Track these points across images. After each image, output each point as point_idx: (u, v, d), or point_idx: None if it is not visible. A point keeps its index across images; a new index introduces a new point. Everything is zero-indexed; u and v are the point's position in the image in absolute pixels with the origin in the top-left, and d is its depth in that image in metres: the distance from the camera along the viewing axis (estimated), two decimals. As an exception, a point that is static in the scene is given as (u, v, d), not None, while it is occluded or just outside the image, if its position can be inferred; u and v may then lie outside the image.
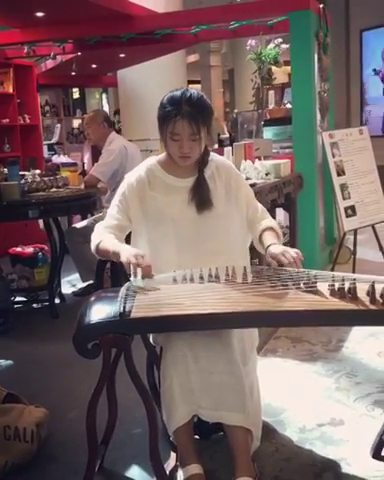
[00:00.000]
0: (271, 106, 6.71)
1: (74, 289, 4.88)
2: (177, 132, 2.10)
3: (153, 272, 2.02)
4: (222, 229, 2.24)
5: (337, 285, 1.88)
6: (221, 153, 4.68)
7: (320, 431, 2.42)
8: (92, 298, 2.04)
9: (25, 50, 5.67)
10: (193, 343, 2.01)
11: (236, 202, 2.29)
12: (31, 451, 2.28)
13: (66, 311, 4.30)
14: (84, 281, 4.69)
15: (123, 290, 1.99)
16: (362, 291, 1.86)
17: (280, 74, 7.11)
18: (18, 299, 4.45)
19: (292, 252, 2.07)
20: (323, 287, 1.91)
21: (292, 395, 2.76)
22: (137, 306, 1.86)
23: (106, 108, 17.82)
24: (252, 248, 2.40)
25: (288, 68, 5.22)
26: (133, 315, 1.82)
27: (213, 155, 2.32)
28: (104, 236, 2.21)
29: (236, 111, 13.93)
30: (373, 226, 4.64)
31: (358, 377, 2.90)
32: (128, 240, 2.33)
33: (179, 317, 1.81)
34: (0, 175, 4.05)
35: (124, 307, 1.84)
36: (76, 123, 11.55)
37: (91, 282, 4.54)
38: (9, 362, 3.45)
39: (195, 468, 2.03)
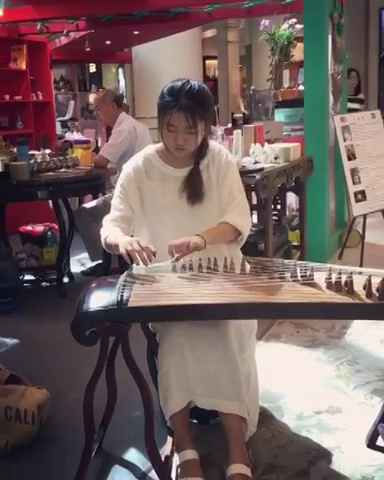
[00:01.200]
0: (286, 85, 6.65)
1: (83, 268, 4.92)
2: (173, 124, 2.09)
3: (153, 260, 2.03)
4: (214, 220, 2.23)
5: (334, 278, 1.88)
6: (231, 133, 4.68)
7: (317, 418, 2.45)
8: (93, 285, 2.07)
9: (38, 27, 5.64)
10: (190, 332, 2.03)
11: (220, 190, 2.27)
12: (32, 432, 2.33)
13: (74, 290, 4.28)
14: (93, 260, 4.71)
15: (122, 278, 2.01)
16: (359, 284, 1.87)
17: (298, 51, 7.01)
18: (27, 278, 4.50)
19: (180, 242, 2.04)
20: (320, 279, 1.92)
21: (292, 381, 2.78)
22: (135, 295, 1.88)
23: (122, 83, 17.73)
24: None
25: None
26: (130, 304, 1.84)
27: (212, 145, 2.30)
28: (110, 230, 2.22)
29: (252, 88, 13.77)
30: (383, 211, 4.61)
31: (359, 365, 2.92)
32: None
33: (176, 307, 1.83)
34: (10, 155, 4.06)
35: (122, 296, 1.86)
36: (91, 98, 11.51)
37: (100, 262, 4.58)
38: (15, 341, 3.50)
39: (191, 453, 2.06)
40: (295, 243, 4.49)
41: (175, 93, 2.09)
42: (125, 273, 2.05)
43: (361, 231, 4.69)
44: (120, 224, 2.25)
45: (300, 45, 6.04)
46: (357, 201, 4.45)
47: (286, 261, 2.03)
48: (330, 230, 4.95)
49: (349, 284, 1.86)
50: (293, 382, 2.78)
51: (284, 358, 3.05)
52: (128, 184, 2.28)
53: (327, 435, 2.33)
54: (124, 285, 1.94)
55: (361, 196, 4.48)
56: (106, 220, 2.30)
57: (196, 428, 2.35)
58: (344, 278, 1.87)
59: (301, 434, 2.35)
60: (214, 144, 2.32)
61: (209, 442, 2.30)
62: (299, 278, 1.93)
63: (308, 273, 1.94)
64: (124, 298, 1.85)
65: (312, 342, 3.20)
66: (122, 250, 2.03)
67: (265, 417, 2.43)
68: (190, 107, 2.07)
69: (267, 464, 2.16)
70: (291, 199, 5.18)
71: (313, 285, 1.90)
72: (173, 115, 2.08)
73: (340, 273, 1.89)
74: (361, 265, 4.40)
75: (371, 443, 2.22)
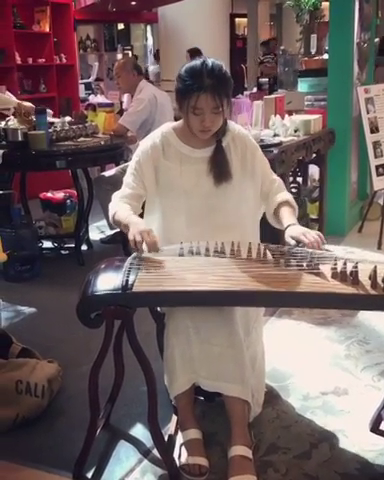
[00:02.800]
0: (313, 50, 6.49)
1: (102, 236, 4.95)
2: (200, 106, 2.04)
3: (163, 244, 2.04)
4: (235, 202, 2.22)
5: (339, 267, 1.87)
6: (256, 98, 4.60)
7: (323, 400, 2.47)
8: (102, 265, 2.09)
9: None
10: (195, 314, 2.05)
11: (252, 175, 2.25)
12: (41, 406, 2.39)
13: (93, 258, 4.36)
14: (112, 229, 4.74)
15: (129, 260, 2.02)
16: (364, 274, 1.85)
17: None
18: (45, 246, 4.55)
19: (313, 233, 2.05)
20: (326, 268, 1.91)
21: (300, 361, 2.80)
22: (140, 279, 1.90)
23: (150, 42, 17.45)
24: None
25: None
26: (135, 288, 1.86)
27: (230, 124, 2.27)
28: (119, 206, 2.20)
29: (282, 48, 13.49)
30: (405, 185, 4.54)
31: (369, 345, 2.92)
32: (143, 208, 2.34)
33: (180, 293, 1.85)
34: (29, 123, 4.05)
35: (127, 280, 1.87)
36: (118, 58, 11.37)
37: (118, 230, 4.59)
38: (32, 310, 3.56)
39: (194, 433, 2.11)
40: (314, 216, 4.46)
41: (197, 74, 2.04)
42: (132, 255, 2.05)
43: (383, 204, 4.63)
44: (130, 201, 2.22)
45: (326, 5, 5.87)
46: (379, 175, 4.38)
47: (295, 248, 2.01)
48: (351, 202, 4.89)
49: (354, 274, 1.85)
50: (301, 361, 2.80)
51: (294, 336, 3.06)
52: (145, 161, 2.23)
53: (331, 417, 2.35)
54: (130, 268, 1.95)
55: (383, 169, 4.40)
56: (116, 196, 2.29)
57: (202, 405, 2.39)
58: (349, 268, 1.86)
59: (306, 415, 2.37)
60: (231, 123, 2.28)
61: (214, 420, 2.33)
62: (305, 266, 1.92)
63: (314, 262, 1.92)
64: (129, 282, 1.87)
65: (324, 319, 3.20)
66: (130, 237, 2.00)
67: (271, 397, 2.46)
68: (215, 87, 2.02)
69: (270, 445, 2.20)
70: (313, 169, 5.12)
71: (318, 274, 1.89)
72: (200, 97, 2.02)
73: (345, 263, 1.88)
74: (381, 238, 4.37)
75: (374, 427, 2.24)
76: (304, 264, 1.92)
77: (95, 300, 1.90)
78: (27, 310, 3.55)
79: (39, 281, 4.00)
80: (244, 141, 2.26)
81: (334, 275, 1.87)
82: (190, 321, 2.05)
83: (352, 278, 1.85)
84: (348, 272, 1.86)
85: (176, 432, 2.19)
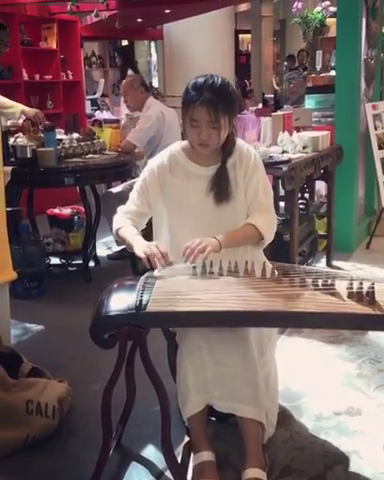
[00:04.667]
0: (318, 67, 6.51)
1: (109, 252, 4.94)
2: (196, 118, 2.08)
3: (172, 259, 2.04)
4: (240, 221, 2.21)
5: (355, 287, 1.86)
6: (262, 114, 4.59)
7: (336, 420, 2.44)
8: (114, 285, 2.07)
9: (68, 7, 5.59)
10: (208, 335, 2.03)
11: (246, 191, 2.24)
12: (52, 426, 2.37)
13: (100, 275, 4.37)
14: (119, 245, 4.73)
15: (142, 280, 2.01)
16: (381, 294, 1.83)
17: (334, 27, 6.84)
18: (53, 262, 4.53)
19: (196, 243, 2.02)
20: (341, 288, 1.89)
21: (312, 380, 2.78)
22: (154, 300, 1.88)
23: (154, 57, 17.55)
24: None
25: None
26: (149, 309, 1.84)
27: (239, 143, 2.27)
28: (124, 222, 2.25)
29: (286, 64, 13.54)
30: (413, 201, 4.53)
31: (381, 363, 2.89)
32: (150, 226, 2.35)
33: (195, 314, 1.83)
34: (37, 140, 4.06)
35: (141, 300, 1.86)
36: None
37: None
38: (40, 327, 3.55)
39: (207, 455, 2.08)
40: (322, 232, 4.45)
41: (198, 88, 2.08)
42: (145, 275, 2.05)
43: (390, 220, 4.63)
44: (133, 217, 2.28)
45: (332, 21, 5.90)
46: (387, 191, 4.37)
47: (308, 267, 2.00)
48: (359, 218, 4.88)
49: (370, 294, 1.83)
50: (313, 380, 2.77)
51: (305, 354, 3.04)
52: (150, 180, 2.27)
53: (345, 438, 2.32)
54: (144, 288, 1.94)
55: (391, 186, 4.40)
56: (120, 210, 2.33)
57: (214, 426, 2.37)
58: (365, 288, 1.85)
59: (319, 436, 2.34)
60: (241, 142, 2.28)
61: (227, 441, 2.30)
62: (320, 286, 1.90)
63: (329, 281, 1.91)
64: (143, 302, 1.85)
65: (335, 338, 3.18)
66: (141, 253, 2.04)
67: (284, 417, 2.43)
68: (212, 101, 2.05)
69: (284, 467, 2.16)
70: (320, 185, 5.12)
71: (334, 294, 1.88)
72: (196, 109, 2.07)
73: (361, 282, 1.86)
74: (389, 255, 4.35)
75: (389, 449, 2.21)
76: (319, 283, 1.91)
77: (109, 321, 1.88)
78: (35, 328, 3.53)
79: (47, 298, 3.99)
80: (249, 159, 2.25)
81: (350, 295, 1.86)
82: (204, 341, 2.03)
83: (368, 298, 1.83)
84: (364, 292, 1.84)
85: (189, 453, 2.16)
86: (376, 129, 4.37)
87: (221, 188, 2.21)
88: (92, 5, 5.87)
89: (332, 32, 7.33)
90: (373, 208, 5.31)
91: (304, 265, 3.76)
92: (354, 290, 1.85)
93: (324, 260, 4.36)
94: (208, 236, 2.13)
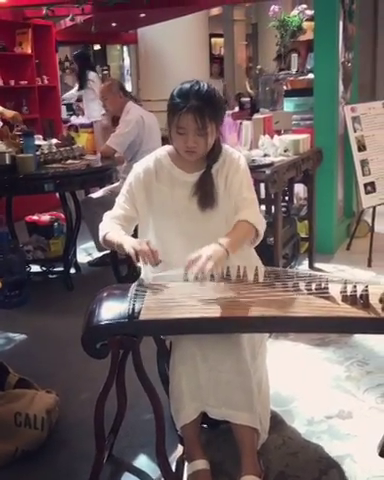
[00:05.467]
0: (294, 70, 6.53)
1: (90, 258, 4.90)
2: (182, 126, 2.05)
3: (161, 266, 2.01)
4: (225, 227, 2.17)
5: (349, 291, 1.85)
6: (238, 118, 4.58)
7: (328, 424, 2.43)
8: (103, 294, 2.04)
9: (44, 11, 5.54)
10: (202, 342, 2.01)
11: (229, 190, 2.20)
12: (41, 438, 2.32)
13: (81, 282, 4.33)
14: (100, 251, 4.69)
15: (133, 288, 1.98)
16: (374, 297, 1.83)
17: (310, 30, 6.87)
18: (34, 270, 4.47)
19: (204, 258, 1.90)
20: (335, 292, 1.88)
21: (302, 383, 2.77)
22: (146, 307, 1.86)
23: (127, 61, 17.49)
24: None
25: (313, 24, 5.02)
26: (142, 317, 1.82)
27: (225, 148, 2.24)
28: (111, 227, 2.19)
29: (259, 67, 13.59)
30: (393, 202, 4.56)
31: (369, 365, 2.90)
32: (136, 232, 2.32)
33: (189, 321, 1.81)
34: (16, 147, 4.01)
35: (133, 308, 1.83)
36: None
37: (107, 252, 4.55)
38: (23, 336, 3.49)
39: (202, 463, 2.05)
40: (303, 235, 4.45)
41: (184, 94, 2.04)
42: (136, 282, 2.02)
43: (370, 222, 4.64)
44: (121, 222, 2.23)
45: (309, 24, 5.93)
46: (367, 193, 4.40)
47: (301, 271, 1.98)
48: (338, 220, 4.90)
49: (365, 298, 1.82)
50: (303, 384, 2.76)
51: (293, 358, 3.03)
52: (136, 184, 2.23)
53: (338, 442, 2.31)
54: (135, 296, 1.91)
55: (371, 188, 4.43)
56: (107, 216, 2.28)
57: (206, 433, 2.34)
58: (359, 291, 1.84)
59: (312, 441, 2.33)
60: (227, 147, 2.26)
61: (220, 449, 2.28)
62: (314, 290, 1.89)
63: (323, 285, 1.90)
64: (135, 310, 1.83)
65: (321, 340, 3.17)
66: (130, 249, 1.98)
67: (276, 422, 2.41)
68: (199, 108, 2.02)
69: (278, 473, 2.15)
70: (299, 188, 5.13)
71: (328, 298, 1.87)
72: (182, 116, 2.03)
73: (355, 286, 1.86)
74: (370, 256, 4.37)
75: (383, 452, 2.20)
76: (313, 287, 1.90)
77: (101, 330, 1.85)
78: (18, 337, 3.48)
79: (28, 307, 3.93)
80: (231, 163, 2.22)
81: (344, 298, 1.85)
82: (197, 349, 2.01)
83: (363, 301, 1.82)
84: (358, 295, 1.83)
85: (183, 462, 2.13)
86: (355, 131, 4.39)
87: (205, 194, 2.17)
88: (67, 10, 5.83)
89: (306, 35, 7.39)
90: (352, 210, 5.33)
91: (288, 268, 3.76)
92: (348, 293, 1.85)
93: (306, 262, 4.37)
94: (194, 243, 2.06)
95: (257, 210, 2.24)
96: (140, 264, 2.09)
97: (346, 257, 4.62)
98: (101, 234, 2.22)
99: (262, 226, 2.19)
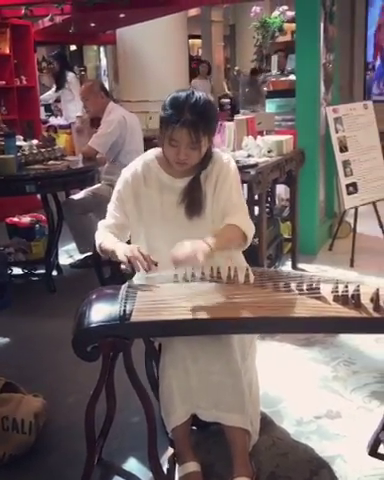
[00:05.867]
0: (274, 71, 6.56)
1: (71, 260, 4.85)
2: (175, 139, 2.01)
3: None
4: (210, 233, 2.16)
5: (341, 290, 1.85)
6: (221, 118, 4.56)
7: (317, 424, 2.43)
8: (92, 296, 2.01)
9: (22, 11, 5.49)
10: (192, 343, 1.99)
11: (219, 194, 2.18)
12: (29, 442, 2.29)
13: (63, 284, 4.29)
14: (82, 252, 4.65)
15: (124, 289, 1.96)
16: (366, 297, 1.83)
17: (289, 31, 6.89)
18: (15, 272, 4.42)
19: (189, 250, 1.90)
20: (326, 292, 1.88)
21: (289, 384, 2.77)
22: (137, 309, 1.83)
23: (104, 62, 17.41)
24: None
25: (293, 25, 5.04)
26: (133, 319, 1.79)
27: (216, 153, 2.21)
28: (105, 236, 2.17)
29: (237, 69, 13.61)
30: (374, 203, 4.59)
31: (356, 365, 2.91)
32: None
33: (181, 322, 1.79)
34: (-4, 148, 3.96)
35: (124, 310, 1.81)
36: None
37: (89, 254, 4.52)
38: (6, 340, 3.44)
39: (193, 466, 2.04)
40: (285, 236, 4.46)
41: (178, 106, 1.99)
42: (126, 284, 2.00)
43: (352, 222, 4.67)
44: (114, 230, 2.20)
45: (289, 26, 5.96)
46: (349, 193, 4.43)
47: (292, 272, 1.98)
48: (320, 220, 4.92)
49: (356, 297, 1.82)
50: (290, 384, 2.76)
51: (280, 358, 3.03)
52: (125, 190, 2.20)
53: (328, 442, 2.31)
54: (126, 297, 1.89)
55: (353, 188, 4.46)
56: (101, 225, 2.25)
57: (196, 435, 2.32)
58: (351, 291, 1.84)
59: (301, 441, 2.33)
60: (217, 151, 2.24)
61: (210, 451, 2.27)
62: (305, 290, 1.89)
63: (314, 285, 1.90)
64: (127, 312, 1.80)
65: (307, 340, 3.18)
66: (122, 257, 1.97)
67: (265, 423, 2.40)
68: (194, 123, 1.97)
69: (269, 474, 2.14)
70: (280, 189, 5.15)
71: (319, 298, 1.87)
72: (175, 130, 1.98)
73: (347, 285, 1.86)
74: (352, 257, 4.40)
75: (373, 451, 2.21)
76: (304, 287, 1.90)
77: (92, 332, 1.82)
78: (1, 341, 3.43)
79: (11, 310, 3.87)
80: (221, 169, 2.19)
81: (336, 298, 1.85)
82: (187, 350, 1.99)
83: (354, 301, 1.82)
84: (350, 295, 1.83)
85: (173, 464, 2.12)
86: (337, 132, 4.41)
87: (193, 201, 2.14)
88: (46, 9, 5.78)
89: (286, 36, 7.42)
90: (333, 211, 5.36)
91: (272, 268, 3.77)
92: (339, 293, 1.85)
93: (289, 263, 4.38)
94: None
95: (247, 216, 2.24)
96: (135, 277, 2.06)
97: (328, 258, 4.65)
98: (97, 243, 2.19)
99: (251, 232, 2.19)
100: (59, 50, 8.46)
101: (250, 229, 2.18)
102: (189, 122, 1.96)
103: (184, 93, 2.02)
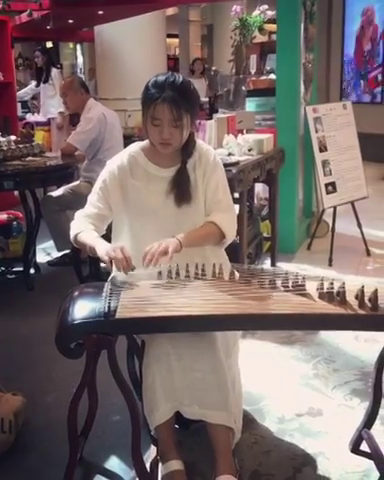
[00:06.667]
0: (253, 71, 6.56)
1: (49, 258, 4.80)
2: (157, 117, 2.02)
3: (134, 264, 1.97)
4: (202, 221, 2.17)
5: (326, 287, 1.85)
6: (200, 117, 4.54)
7: (299, 422, 2.43)
8: (75, 293, 1.98)
9: (0, 6, 5.42)
10: (176, 341, 1.98)
11: (205, 190, 2.21)
12: (9, 441, 2.25)
13: (41, 282, 4.24)
14: (59, 250, 4.60)
15: (107, 286, 1.94)
16: (351, 294, 1.84)
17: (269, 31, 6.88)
18: (-8, 270, 4.37)
19: (156, 246, 1.96)
20: (311, 289, 1.88)
21: (270, 382, 2.77)
22: (122, 306, 1.81)
23: (80, 60, 17.29)
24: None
25: (272, 26, 5.04)
26: (118, 315, 1.77)
27: (199, 144, 2.23)
28: (83, 227, 2.16)
29: (214, 69, 13.60)
30: (352, 202, 4.62)
31: (336, 363, 2.92)
32: (110, 229, 2.27)
33: (167, 319, 1.77)
34: (-26, 143, 3.89)
35: (109, 306, 1.79)
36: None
37: (67, 252, 4.48)
38: (-17, 339, 3.39)
39: (176, 464, 2.02)
40: (265, 234, 4.47)
41: (159, 85, 2.03)
42: (109, 281, 1.98)
43: (329, 221, 4.70)
44: (94, 221, 2.20)
45: (269, 26, 5.96)
46: (328, 193, 4.44)
47: (277, 269, 1.98)
48: (298, 220, 4.94)
49: (341, 294, 1.83)
50: (272, 382, 2.76)
51: (261, 356, 3.02)
52: (111, 182, 2.19)
53: (310, 439, 2.32)
54: (110, 294, 1.86)
55: (332, 188, 4.48)
56: (79, 214, 2.24)
57: (178, 433, 2.30)
58: (336, 288, 1.84)
59: (284, 439, 2.33)
60: (201, 143, 2.25)
61: (192, 449, 2.26)
62: (290, 287, 1.89)
63: (299, 282, 1.90)
64: (111, 309, 1.78)
65: (288, 338, 3.18)
66: (103, 256, 1.97)
67: (247, 421, 2.39)
68: (175, 99, 2.00)
69: (252, 472, 2.14)
70: (258, 188, 5.16)
71: (305, 295, 1.86)
72: (157, 107, 2.01)
73: (332, 282, 1.86)
74: (331, 256, 4.42)
75: (355, 448, 2.21)
76: (289, 284, 1.89)
77: (76, 329, 1.79)
78: (-22, 339, 3.37)
79: (-13, 308, 3.82)
80: (208, 160, 2.21)
81: (321, 295, 1.85)
82: (172, 348, 1.98)
83: (339, 298, 1.83)
84: (335, 292, 1.84)
85: (156, 462, 2.09)
86: (317, 132, 4.43)
87: (181, 190, 2.16)
88: (25, 4, 5.71)
89: (259, 37, 7.43)
90: (311, 210, 5.39)
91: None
92: (325, 290, 1.85)
93: (268, 262, 4.38)
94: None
95: (231, 216, 2.25)
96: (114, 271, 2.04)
97: (307, 257, 4.67)
98: (72, 233, 2.18)
99: (231, 232, 2.21)
100: (43, 45, 8.37)
101: (230, 229, 2.20)
102: (170, 98, 1.99)
103: (164, 75, 2.07)
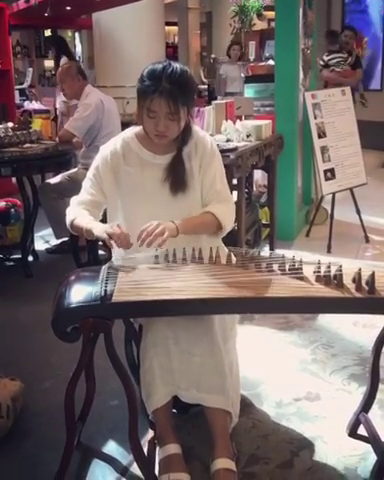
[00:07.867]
0: (252, 57, 6.53)
1: (48, 246, 4.80)
2: (154, 109, 1.98)
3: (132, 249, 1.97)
4: (197, 211, 2.15)
5: (323, 271, 1.84)
6: (199, 104, 4.53)
7: (296, 406, 2.44)
8: (72, 277, 1.98)
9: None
10: (174, 324, 1.98)
11: (202, 179, 2.19)
12: (6, 426, 2.26)
13: (40, 269, 4.24)
14: (58, 238, 4.60)
15: (104, 270, 1.93)
16: (348, 277, 1.83)
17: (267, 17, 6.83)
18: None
19: (154, 226, 1.95)
20: (309, 272, 1.87)
21: (269, 367, 2.77)
22: (119, 289, 1.81)
23: (79, 48, 17.16)
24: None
25: (271, 13, 5.02)
26: (115, 299, 1.76)
27: (196, 131, 2.20)
28: (79, 212, 2.15)
29: (213, 56, 13.54)
30: (351, 189, 4.61)
31: (334, 348, 2.92)
32: (105, 216, 2.26)
33: (164, 302, 1.76)
34: (-29, 130, 3.88)
35: (105, 290, 1.78)
36: (48, 64, 11.13)
37: (65, 239, 4.47)
38: (-18, 325, 3.39)
39: (173, 448, 2.02)
40: (263, 221, 4.46)
41: (156, 77, 1.97)
42: (106, 265, 1.97)
43: (328, 208, 4.69)
44: (89, 207, 2.18)
45: (265, 13, 5.94)
46: (327, 179, 4.43)
47: (274, 253, 1.97)
48: (297, 207, 4.93)
49: (338, 277, 1.82)
50: (270, 367, 2.76)
51: (259, 342, 3.02)
52: (103, 168, 2.18)
53: (308, 424, 2.32)
54: (107, 278, 1.86)
55: (331, 174, 4.46)
56: (74, 201, 2.22)
57: (175, 417, 2.30)
58: (333, 271, 1.83)
59: (282, 423, 2.33)
60: (197, 130, 2.22)
61: (190, 433, 2.26)
62: (287, 271, 1.88)
63: (296, 265, 1.89)
64: (108, 292, 1.78)
65: (286, 324, 3.18)
66: (102, 234, 1.96)
67: (244, 405, 2.39)
68: (172, 92, 1.95)
69: (250, 455, 2.14)
70: (257, 175, 5.14)
71: (302, 278, 1.86)
72: (154, 101, 1.96)
73: (329, 266, 1.85)
74: (330, 243, 4.41)
75: (352, 432, 2.22)
76: (286, 268, 1.88)
77: (72, 313, 1.79)
78: (-23, 326, 3.38)
79: (-14, 295, 3.82)
80: (205, 148, 2.18)
81: (318, 279, 1.84)
82: (170, 331, 1.97)
83: (336, 281, 1.82)
84: (332, 275, 1.83)
85: (154, 446, 2.10)
86: (316, 118, 4.40)
87: (177, 178, 2.13)
88: (21, -10, 5.65)
89: (259, 25, 7.39)
90: (310, 197, 5.38)
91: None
92: (322, 274, 1.84)
93: (267, 249, 4.38)
94: None
95: (229, 207, 2.23)
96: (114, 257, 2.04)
97: (306, 244, 4.66)
98: (68, 219, 2.17)
99: (228, 222, 2.19)
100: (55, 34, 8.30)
101: (228, 219, 2.18)
102: (167, 91, 1.94)
103: (160, 64, 2.00)
